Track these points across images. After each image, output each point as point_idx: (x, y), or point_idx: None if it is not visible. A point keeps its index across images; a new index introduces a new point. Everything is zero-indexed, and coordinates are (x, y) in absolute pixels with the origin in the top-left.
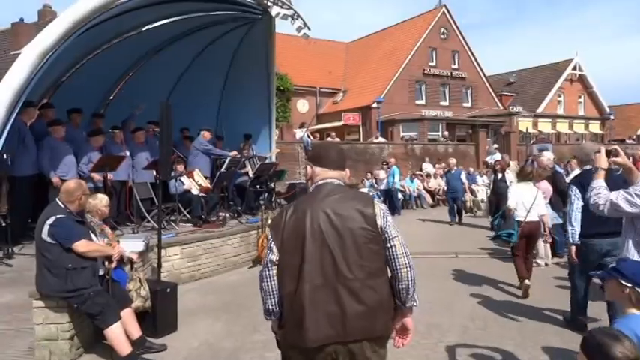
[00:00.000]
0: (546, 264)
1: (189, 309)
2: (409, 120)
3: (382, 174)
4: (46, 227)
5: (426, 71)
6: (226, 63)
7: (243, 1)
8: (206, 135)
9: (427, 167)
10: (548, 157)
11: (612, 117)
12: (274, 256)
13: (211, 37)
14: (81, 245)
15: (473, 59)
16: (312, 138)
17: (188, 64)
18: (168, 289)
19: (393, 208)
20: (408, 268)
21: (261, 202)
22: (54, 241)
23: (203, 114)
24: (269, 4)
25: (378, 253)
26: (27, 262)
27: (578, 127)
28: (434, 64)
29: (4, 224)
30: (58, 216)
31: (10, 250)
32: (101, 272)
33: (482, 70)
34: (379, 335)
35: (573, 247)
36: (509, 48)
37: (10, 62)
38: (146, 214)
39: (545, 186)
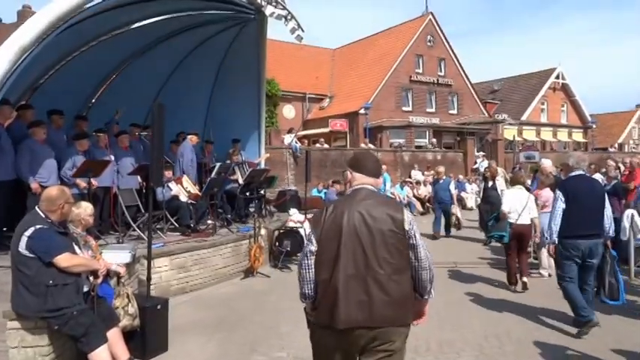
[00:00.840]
0: (549, 274)
1: (180, 326)
2: (396, 127)
3: None
4: (24, 239)
5: (412, 78)
6: (216, 65)
7: (237, 0)
8: (193, 139)
9: (416, 174)
10: (549, 164)
11: (594, 125)
12: (313, 247)
13: (201, 38)
14: (63, 259)
15: (459, 66)
16: (300, 144)
17: (176, 66)
18: (159, 306)
19: None
20: (429, 271)
21: (252, 210)
22: (32, 255)
23: (191, 117)
24: (263, 3)
25: (402, 253)
26: (2, 275)
27: (562, 135)
28: (420, 71)
29: None
30: (37, 226)
31: None
32: (85, 289)
33: (467, 78)
34: (401, 324)
35: (552, 246)
36: (494, 56)
37: None
38: (132, 223)
39: (548, 194)
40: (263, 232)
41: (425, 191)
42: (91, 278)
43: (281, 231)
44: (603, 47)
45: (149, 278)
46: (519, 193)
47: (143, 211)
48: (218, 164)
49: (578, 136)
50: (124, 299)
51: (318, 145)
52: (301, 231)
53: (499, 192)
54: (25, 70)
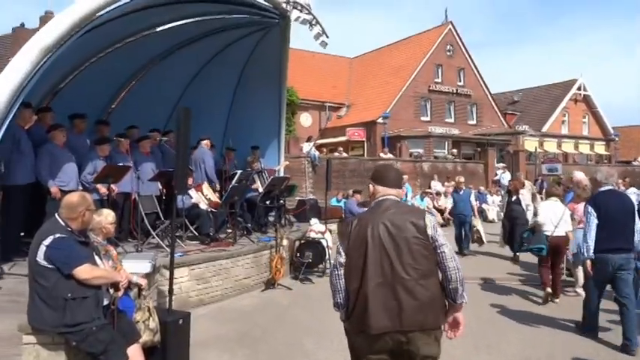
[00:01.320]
0: None
1: (201, 341)
2: (416, 136)
3: None
4: (42, 248)
5: (431, 88)
6: (238, 70)
7: (262, 4)
8: (207, 143)
9: (436, 185)
10: (583, 176)
11: (617, 138)
12: (342, 259)
13: (224, 43)
14: (83, 271)
15: (478, 76)
16: (318, 152)
17: (197, 71)
18: (181, 321)
19: None
20: (457, 271)
21: (271, 219)
22: (51, 266)
23: (211, 124)
24: (289, 7)
25: (428, 258)
26: (19, 284)
27: (584, 148)
28: (439, 80)
29: None
30: (56, 235)
31: None
32: (105, 302)
33: (487, 88)
34: (430, 327)
35: (589, 262)
36: (512, 67)
37: None
38: (151, 231)
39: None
40: (285, 242)
41: (445, 202)
42: (111, 291)
43: (302, 241)
44: (625, 58)
45: (171, 290)
46: (555, 205)
47: (162, 218)
48: (238, 172)
49: (600, 148)
50: (145, 313)
51: (336, 153)
52: (323, 242)
53: (523, 206)
54: (46, 72)
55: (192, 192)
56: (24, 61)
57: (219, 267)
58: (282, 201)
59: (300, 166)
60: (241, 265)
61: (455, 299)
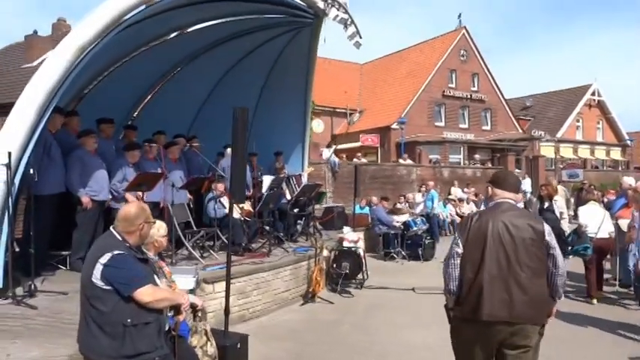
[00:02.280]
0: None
1: None
2: (431, 142)
3: (418, 197)
4: (99, 267)
5: (445, 93)
6: (265, 71)
7: (297, 3)
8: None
9: (456, 191)
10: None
11: (632, 143)
12: (460, 250)
13: (254, 44)
14: (145, 293)
15: (492, 82)
16: (338, 159)
17: (223, 74)
18: (239, 344)
19: (432, 234)
20: (563, 276)
21: (299, 228)
22: (108, 287)
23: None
24: (326, 5)
25: (541, 260)
26: (54, 303)
27: (599, 153)
28: (453, 85)
29: (17, 249)
30: (115, 252)
31: (32, 286)
32: (166, 327)
33: (501, 93)
34: (537, 322)
35: None
36: (525, 72)
37: (24, 75)
38: (186, 242)
39: None
40: (325, 253)
41: (468, 209)
42: (170, 313)
43: (338, 251)
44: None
45: (227, 311)
46: (594, 209)
47: (195, 227)
48: (268, 178)
49: (615, 154)
50: (202, 337)
51: (355, 160)
52: (360, 251)
53: (557, 214)
54: (78, 74)
55: (224, 200)
56: (60, 60)
57: (261, 280)
58: (311, 209)
59: (319, 172)
60: (281, 277)
61: (554, 297)
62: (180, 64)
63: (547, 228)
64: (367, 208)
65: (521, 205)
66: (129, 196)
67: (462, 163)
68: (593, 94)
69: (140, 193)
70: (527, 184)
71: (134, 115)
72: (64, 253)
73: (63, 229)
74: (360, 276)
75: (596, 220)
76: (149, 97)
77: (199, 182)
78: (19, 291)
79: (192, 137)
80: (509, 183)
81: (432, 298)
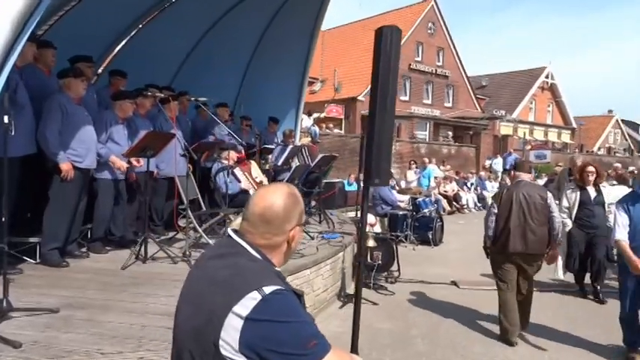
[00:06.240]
0: None
1: None
2: (400, 117)
3: (411, 175)
4: (236, 323)
5: (412, 66)
6: (265, 21)
7: None
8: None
9: (434, 169)
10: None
11: (580, 127)
12: (496, 210)
13: None
14: None
15: (456, 58)
16: (318, 128)
17: (217, 19)
18: None
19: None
20: (560, 225)
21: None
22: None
23: (220, 85)
24: None
25: (545, 215)
26: (45, 331)
27: (552, 136)
28: (419, 59)
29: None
30: (266, 289)
31: (4, 302)
32: None
33: (464, 70)
34: (541, 252)
35: None
36: (485, 50)
37: None
38: (198, 227)
39: None
40: (371, 243)
41: (451, 188)
42: None
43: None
44: (586, 49)
45: (356, 336)
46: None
47: (203, 206)
48: (275, 146)
49: (566, 137)
50: None
51: (327, 130)
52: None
53: (607, 207)
54: None
55: (238, 173)
56: None
57: (303, 279)
58: (321, 185)
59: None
60: (322, 274)
61: (555, 239)
62: (163, 4)
63: (549, 195)
64: (355, 184)
65: (528, 179)
66: (116, 160)
67: (427, 140)
68: (547, 76)
69: (135, 162)
70: (498, 164)
71: (107, 61)
72: (32, 240)
73: (30, 206)
74: (394, 268)
75: None
76: (124, 42)
77: (209, 147)
78: None
79: (184, 93)
80: (525, 168)
81: (480, 295)
